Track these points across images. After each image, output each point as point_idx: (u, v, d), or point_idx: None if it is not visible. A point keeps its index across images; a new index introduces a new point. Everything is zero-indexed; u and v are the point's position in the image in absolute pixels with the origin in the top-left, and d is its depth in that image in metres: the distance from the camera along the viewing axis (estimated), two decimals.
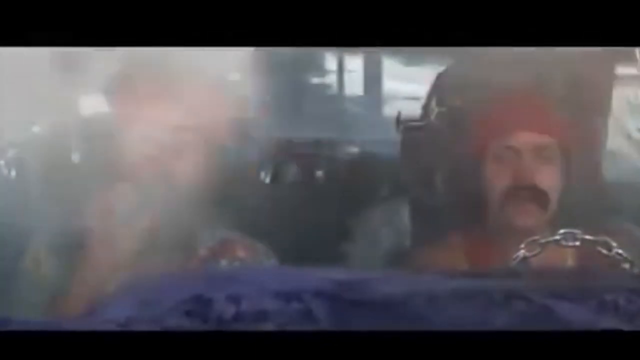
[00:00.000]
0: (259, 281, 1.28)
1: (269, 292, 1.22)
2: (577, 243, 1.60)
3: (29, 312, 1.78)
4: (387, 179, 2.46)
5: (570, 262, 1.92)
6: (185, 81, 1.87)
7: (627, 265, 1.54)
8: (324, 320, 1.20)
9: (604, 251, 1.57)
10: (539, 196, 1.99)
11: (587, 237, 1.59)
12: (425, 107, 2.32)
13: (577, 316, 1.22)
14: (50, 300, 1.83)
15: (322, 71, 5.35)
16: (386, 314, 1.22)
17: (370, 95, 4.91)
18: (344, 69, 5.14)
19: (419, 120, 2.33)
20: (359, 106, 4.97)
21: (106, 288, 1.68)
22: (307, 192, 2.48)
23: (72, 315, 1.62)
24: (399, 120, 2.34)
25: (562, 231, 1.61)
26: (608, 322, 1.22)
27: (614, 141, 2.44)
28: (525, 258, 1.58)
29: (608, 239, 1.57)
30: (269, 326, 1.20)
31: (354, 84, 5.01)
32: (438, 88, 2.31)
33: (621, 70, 2.37)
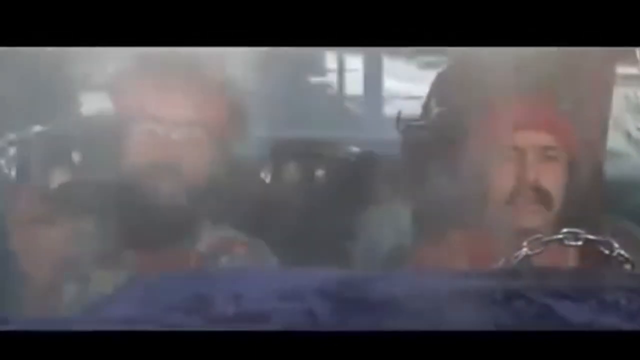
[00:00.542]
0: (259, 281, 1.28)
1: (269, 292, 1.22)
2: (580, 243, 1.60)
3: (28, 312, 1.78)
4: (387, 179, 2.46)
5: (570, 261, 1.92)
6: (186, 80, 1.87)
7: (628, 266, 1.54)
8: (324, 319, 1.20)
9: (606, 251, 1.56)
10: (543, 196, 1.98)
11: (590, 236, 1.59)
12: (426, 107, 2.32)
13: (577, 316, 1.22)
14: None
15: (322, 71, 5.35)
16: (386, 313, 1.22)
17: (371, 94, 4.91)
18: (344, 68, 5.13)
19: (420, 119, 2.32)
20: (359, 106, 4.97)
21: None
22: (307, 192, 2.48)
23: (72, 315, 1.62)
24: (399, 119, 2.33)
25: (564, 230, 1.61)
26: (608, 322, 1.22)
27: (614, 140, 2.44)
28: (527, 256, 1.58)
29: (610, 239, 1.57)
30: (269, 326, 1.20)
31: (354, 84, 5.00)
32: (438, 87, 2.30)
33: (621, 70, 2.37)
